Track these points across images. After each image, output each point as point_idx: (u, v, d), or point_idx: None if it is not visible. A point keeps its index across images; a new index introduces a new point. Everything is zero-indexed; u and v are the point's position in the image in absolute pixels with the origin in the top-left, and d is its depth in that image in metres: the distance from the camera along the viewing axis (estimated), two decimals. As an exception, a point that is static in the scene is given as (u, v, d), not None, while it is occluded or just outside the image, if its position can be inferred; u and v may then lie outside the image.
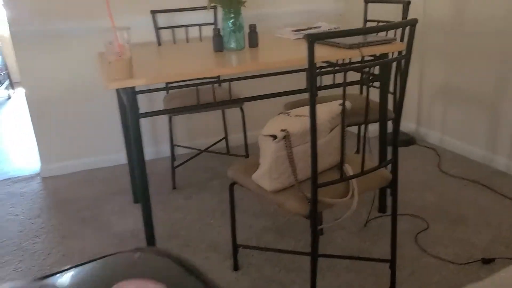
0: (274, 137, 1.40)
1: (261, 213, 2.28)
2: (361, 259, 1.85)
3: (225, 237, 2.09)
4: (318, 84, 1.73)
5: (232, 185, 1.71)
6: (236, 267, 1.87)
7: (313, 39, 1.22)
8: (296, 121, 1.44)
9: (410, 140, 3.11)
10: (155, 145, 3.11)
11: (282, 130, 1.39)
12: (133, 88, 1.60)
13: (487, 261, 1.80)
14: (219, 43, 1.98)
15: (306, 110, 1.45)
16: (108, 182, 2.78)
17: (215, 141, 3.17)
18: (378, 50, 1.83)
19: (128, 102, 1.64)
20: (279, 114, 1.54)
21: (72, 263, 0.92)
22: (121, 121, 2.31)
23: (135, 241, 2.11)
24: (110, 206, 2.47)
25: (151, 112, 1.77)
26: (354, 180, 1.48)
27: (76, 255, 2.02)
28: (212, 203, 2.43)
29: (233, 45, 1.96)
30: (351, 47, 1.79)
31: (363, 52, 1.72)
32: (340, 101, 1.47)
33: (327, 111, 1.49)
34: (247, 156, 2.75)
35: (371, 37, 1.90)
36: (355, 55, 1.87)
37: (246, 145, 2.72)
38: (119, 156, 3.01)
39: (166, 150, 3.12)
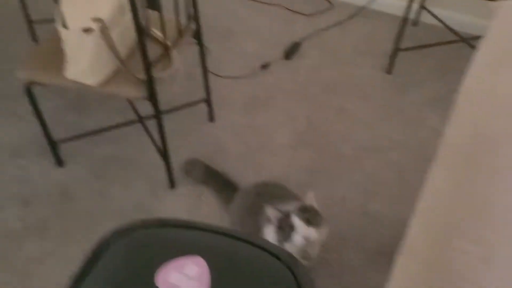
0: (88, 30, 1.22)
1: (54, 96, 2.03)
2: (183, 107, 1.95)
3: (29, 139, 1.85)
4: None
5: (29, 88, 1.47)
6: (60, 163, 1.76)
7: None
8: (99, 2, 1.27)
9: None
10: None
11: (95, 20, 1.22)
12: None
13: (265, 66, 2.18)
14: None
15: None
16: None
17: None
18: None
19: None
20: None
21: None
22: None
23: None
24: None
25: None
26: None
27: None
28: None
29: None
30: None
31: None
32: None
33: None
34: None
35: None
36: None
37: None
38: None
39: None
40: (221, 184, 1.65)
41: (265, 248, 0.73)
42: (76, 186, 1.71)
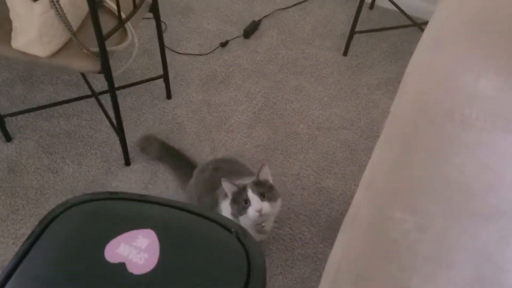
0: (36, -3, 1.17)
1: (0, 68, 1.94)
2: (139, 83, 1.92)
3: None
4: None
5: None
6: (8, 138, 1.70)
7: None
8: (48, -31, 1.21)
9: None
10: None
11: (44, -13, 1.17)
12: None
13: (223, 44, 2.17)
14: None
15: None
16: None
17: None
18: None
19: None
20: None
21: None
22: None
23: None
24: None
25: None
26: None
27: None
28: None
29: None
30: None
31: None
32: None
33: None
34: None
35: None
36: None
37: None
38: None
39: None
40: (177, 161, 1.65)
41: (216, 221, 0.75)
42: (25, 161, 1.65)
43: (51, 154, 1.68)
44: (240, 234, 0.73)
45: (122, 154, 1.65)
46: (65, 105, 1.83)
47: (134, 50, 1.50)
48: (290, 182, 1.67)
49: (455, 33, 0.83)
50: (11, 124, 1.75)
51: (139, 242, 0.68)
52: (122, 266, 0.65)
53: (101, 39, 1.30)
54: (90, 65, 1.36)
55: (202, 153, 1.73)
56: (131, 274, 0.64)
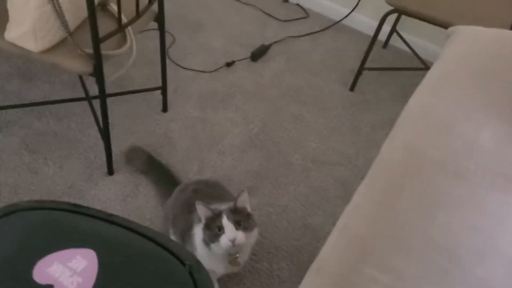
0: (33, -10, 1.13)
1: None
2: (136, 92, 1.87)
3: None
4: None
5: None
6: (-7, 131, 1.65)
7: None
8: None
9: None
10: None
11: (43, -19, 1.13)
12: None
13: (229, 64, 2.12)
14: None
15: None
16: None
17: None
18: None
19: None
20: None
21: None
22: None
23: None
24: None
25: None
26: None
27: None
28: None
29: None
30: None
31: None
32: None
33: None
34: None
35: None
36: None
37: None
38: None
39: None
40: (161, 176, 1.58)
41: (171, 250, 0.67)
42: (5, 157, 1.59)
43: (34, 153, 1.62)
44: (194, 269, 0.65)
45: (106, 162, 1.59)
46: (58, 105, 1.78)
47: (131, 57, 1.46)
48: (275, 214, 1.59)
49: (459, 79, 0.77)
50: (-1, 118, 1.70)
51: (75, 263, 0.60)
52: (50, 289, 0.57)
53: (97, 41, 1.25)
54: (82, 66, 1.30)
55: (189, 172, 1.65)
56: (59, 299, 0.57)
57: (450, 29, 0.98)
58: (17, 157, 1.60)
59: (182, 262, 0.66)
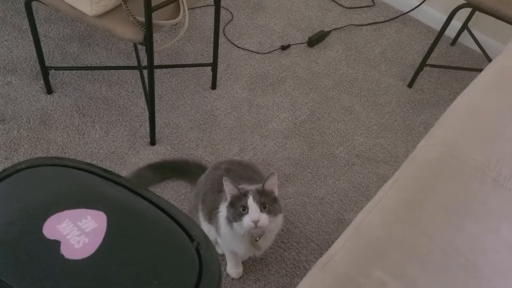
0: (92, -46, 1.15)
1: (64, 23, 1.98)
2: (186, 66, 1.89)
3: (25, 57, 1.81)
4: None
5: (29, 3, 1.41)
6: (49, 90, 1.72)
7: None
8: None
9: None
10: None
11: None
12: None
13: (285, 47, 2.08)
14: None
15: None
16: None
17: None
18: None
19: None
20: None
21: None
22: None
23: None
24: None
25: None
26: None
27: None
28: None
29: None
30: None
31: None
32: None
33: None
34: None
35: None
36: None
37: None
38: None
39: None
40: (180, 170, 1.53)
41: (181, 224, 0.66)
42: (57, 117, 1.66)
43: (83, 115, 1.68)
44: (201, 246, 0.63)
45: (149, 132, 1.61)
46: (112, 71, 1.83)
47: (182, 30, 1.45)
48: (311, 205, 1.54)
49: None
50: (56, 78, 1.76)
51: (85, 223, 0.60)
52: (55, 244, 0.58)
53: (149, 9, 1.25)
54: (133, 34, 1.31)
55: (229, 152, 1.64)
56: (61, 256, 0.57)
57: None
58: (67, 118, 1.66)
59: (190, 237, 0.64)
